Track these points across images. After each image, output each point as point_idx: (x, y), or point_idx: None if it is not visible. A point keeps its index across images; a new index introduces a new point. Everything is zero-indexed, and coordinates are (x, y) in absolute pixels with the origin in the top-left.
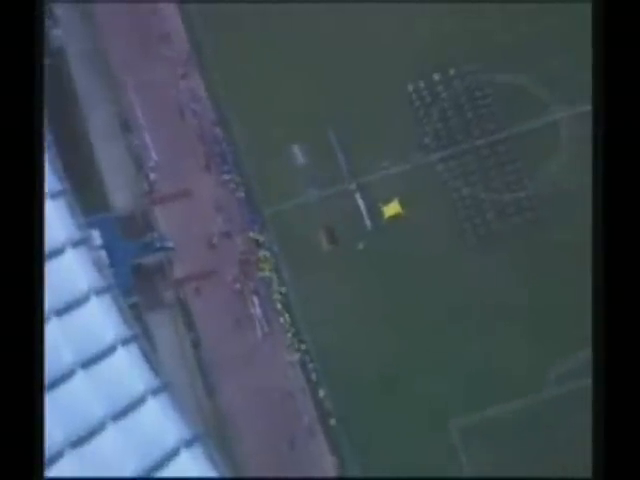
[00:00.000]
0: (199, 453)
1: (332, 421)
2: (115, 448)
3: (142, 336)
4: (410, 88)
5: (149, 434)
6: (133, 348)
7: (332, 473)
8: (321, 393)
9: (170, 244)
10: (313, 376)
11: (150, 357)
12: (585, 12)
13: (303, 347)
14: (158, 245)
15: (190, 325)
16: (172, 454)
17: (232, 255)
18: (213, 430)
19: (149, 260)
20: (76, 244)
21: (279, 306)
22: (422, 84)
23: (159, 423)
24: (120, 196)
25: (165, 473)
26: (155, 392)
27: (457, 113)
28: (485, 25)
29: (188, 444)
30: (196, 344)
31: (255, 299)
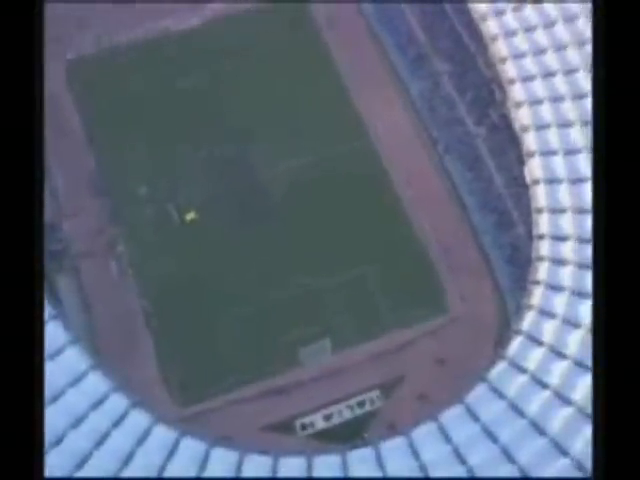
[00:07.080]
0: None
1: (154, 321)
2: None
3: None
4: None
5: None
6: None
7: (152, 354)
8: (149, 309)
9: (67, 237)
10: (145, 302)
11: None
12: None
13: (141, 283)
14: (62, 237)
15: (78, 278)
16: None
17: (102, 241)
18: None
19: (57, 246)
20: None
21: (128, 265)
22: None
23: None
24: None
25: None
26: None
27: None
28: None
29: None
30: (81, 288)
31: (113, 263)
